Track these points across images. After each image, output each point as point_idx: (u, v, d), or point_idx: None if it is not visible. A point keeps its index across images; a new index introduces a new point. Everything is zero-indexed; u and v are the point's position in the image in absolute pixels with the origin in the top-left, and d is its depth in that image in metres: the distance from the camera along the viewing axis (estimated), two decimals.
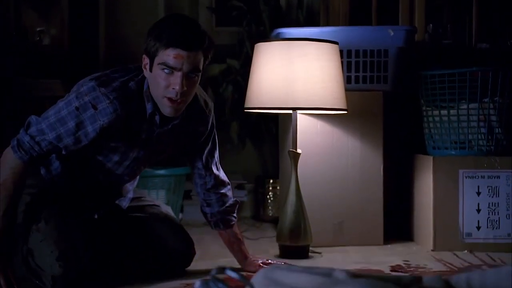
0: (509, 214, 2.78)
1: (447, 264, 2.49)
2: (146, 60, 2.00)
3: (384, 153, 2.89)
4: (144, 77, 2.05)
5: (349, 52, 2.85)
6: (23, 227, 2.09)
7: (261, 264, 2.32)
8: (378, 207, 2.87)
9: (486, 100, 2.79)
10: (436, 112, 2.85)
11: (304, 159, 2.70)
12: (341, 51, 2.80)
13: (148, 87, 2.04)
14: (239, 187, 3.68)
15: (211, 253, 2.62)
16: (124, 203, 2.33)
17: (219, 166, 2.34)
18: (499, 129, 2.82)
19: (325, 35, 2.77)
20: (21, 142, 2.01)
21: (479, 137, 2.80)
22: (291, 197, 2.59)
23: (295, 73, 2.45)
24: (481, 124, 2.81)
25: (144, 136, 2.11)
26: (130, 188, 2.34)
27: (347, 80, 2.85)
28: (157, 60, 1.96)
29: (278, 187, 3.50)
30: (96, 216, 2.27)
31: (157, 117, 2.06)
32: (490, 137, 2.81)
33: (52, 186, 2.17)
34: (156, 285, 2.13)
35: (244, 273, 2.30)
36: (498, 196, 2.78)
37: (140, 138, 2.11)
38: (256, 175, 3.77)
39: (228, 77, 3.48)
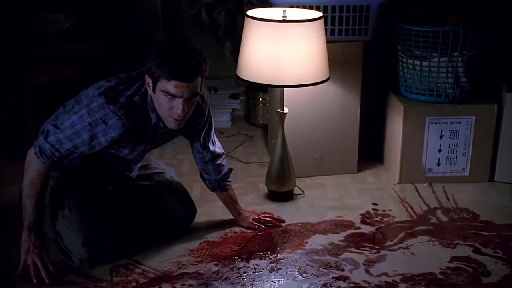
0: (465, 152, 2.93)
1: (409, 209, 2.70)
2: (148, 80, 2.02)
3: (363, 91, 2.96)
4: (147, 90, 2.08)
5: (333, 7, 2.79)
6: (50, 209, 2.26)
7: (252, 222, 2.52)
8: (353, 143, 3.01)
9: (455, 54, 2.80)
10: (410, 61, 2.88)
11: (291, 103, 2.78)
12: (326, 7, 2.78)
13: (152, 99, 2.09)
14: (232, 96, 3.75)
15: (208, 196, 2.73)
16: (134, 173, 2.46)
17: (215, 141, 2.44)
18: (465, 78, 2.87)
19: None
20: (42, 149, 2.11)
21: (447, 86, 2.86)
22: (278, 150, 2.72)
23: (282, 53, 2.44)
24: (449, 75, 2.85)
25: (150, 136, 2.20)
26: (139, 163, 2.46)
27: (331, 32, 2.82)
28: (159, 86, 1.98)
29: (267, 98, 3.58)
30: (110, 188, 2.42)
31: (161, 124, 2.14)
32: (456, 86, 2.87)
33: (70, 168, 2.29)
34: (164, 252, 2.33)
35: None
36: (458, 138, 2.91)
37: (146, 137, 2.20)
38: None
39: (222, 6, 3.39)
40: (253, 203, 2.74)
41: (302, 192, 2.84)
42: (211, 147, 2.40)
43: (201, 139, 2.36)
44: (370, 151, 3.21)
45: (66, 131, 2.08)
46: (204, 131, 2.35)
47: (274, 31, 2.44)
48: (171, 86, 1.97)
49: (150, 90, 2.05)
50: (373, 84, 3.10)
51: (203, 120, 2.31)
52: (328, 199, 2.81)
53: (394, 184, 2.95)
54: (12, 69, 3.18)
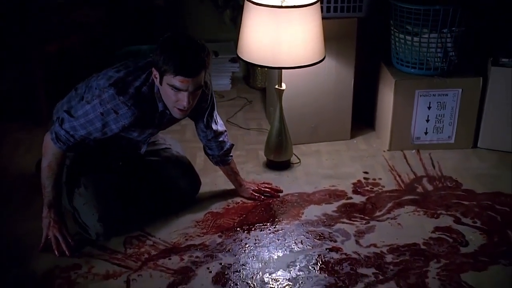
0: (451, 122, 3.04)
1: (397, 178, 2.83)
2: (155, 72, 2.11)
3: (357, 63, 3.03)
4: (154, 81, 2.16)
5: None
6: (67, 186, 2.39)
7: (252, 193, 2.65)
8: (347, 113, 3.11)
9: (445, 30, 2.86)
10: (402, 36, 2.94)
11: (289, 77, 2.85)
12: None
13: (159, 89, 2.17)
14: (232, 60, 3.80)
15: (211, 165, 2.74)
16: (142, 149, 2.56)
17: (217, 120, 2.53)
18: (453, 53, 2.94)
19: None
20: (58, 135, 2.21)
21: (436, 60, 2.94)
22: (276, 124, 2.82)
23: (280, 37, 2.50)
24: (439, 50, 2.91)
25: (157, 121, 2.30)
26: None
27: (327, 9, 2.86)
28: (165, 79, 2.07)
29: None
30: (120, 163, 2.54)
31: (167, 111, 2.23)
32: (444, 60, 2.94)
33: (84, 148, 2.39)
34: (172, 223, 2.47)
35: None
36: (445, 109, 3.01)
37: (154, 122, 2.30)
38: None
39: None
40: (253, 172, 2.87)
41: (298, 161, 2.97)
42: (214, 126, 2.50)
43: (205, 120, 2.46)
44: (363, 118, 3.30)
45: (80, 119, 2.18)
46: (207, 113, 2.45)
47: (272, 16, 2.49)
48: (176, 81, 2.05)
49: (157, 82, 2.13)
50: (367, 56, 3.16)
51: (206, 104, 2.40)
52: (323, 167, 2.93)
53: (384, 151, 3.07)
54: (21, 39, 3.24)
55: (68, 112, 2.21)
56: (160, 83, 2.11)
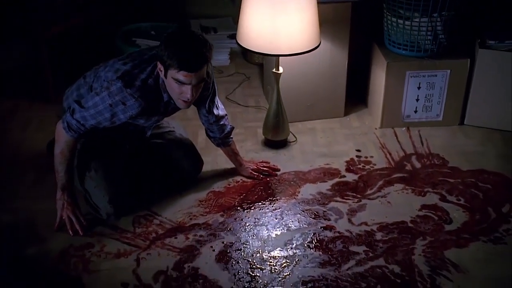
0: (439, 101, 3.14)
1: (387, 156, 2.95)
2: (160, 66, 2.19)
3: (351, 45, 3.10)
4: (159, 73, 2.25)
5: None
6: (78, 169, 2.50)
7: (252, 172, 2.77)
8: (341, 92, 3.20)
9: (435, 15, 2.93)
10: (394, 19, 3.01)
11: (285, 59, 2.92)
12: None
13: (163, 81, 2.26)
14: (231, 36, 3.86)
15: (212, 144, 2.87)
16: (148, 133, 2.67)
17: (218, 105, 2.62)
18: (443, 35, 3.01)
19: None
20: (70, 125, 2.32)
21: (426, 42, 3.02)
22: (273, 105, 2.91)
23: (278, 25, 2.58)
24: (429, 33, 2.99)
25: (162, 110, 2.40)
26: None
27: None
28: (170, 73, 2.16)
29: None
30: (127, 147, 2.64)
31: (172, 101, 2.33)
32: (434, 42, 3.02)
33: (94, 134, 2.49)
34: (177, 202, 2.60)
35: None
36: (434, 89, 3.11)
37: (159, 111, 2.40)
38: None
39: None
40: (252, 150, 2.98)
41: (295, 139, 3.07)
42: (215, 111, 2.60)
43: (207, 106, 2.56)
44: (356, 95, 3.39)
45: (89, 110, 2.28)
46: (209, 99, 2.54)
47: (270, 6, 2.56)
48: (180, 75, 2.15)
49: (162, 75, 2.23)
50: (360, 38, 3.23)
51: (208, 92, 2.50)
52: (318, 145, 3.05)
53: (376, 129, 3.18)
54: (28, 20, 3.29)
55: (79, 103, 2.31)
56: (165, 76, 2.20)
